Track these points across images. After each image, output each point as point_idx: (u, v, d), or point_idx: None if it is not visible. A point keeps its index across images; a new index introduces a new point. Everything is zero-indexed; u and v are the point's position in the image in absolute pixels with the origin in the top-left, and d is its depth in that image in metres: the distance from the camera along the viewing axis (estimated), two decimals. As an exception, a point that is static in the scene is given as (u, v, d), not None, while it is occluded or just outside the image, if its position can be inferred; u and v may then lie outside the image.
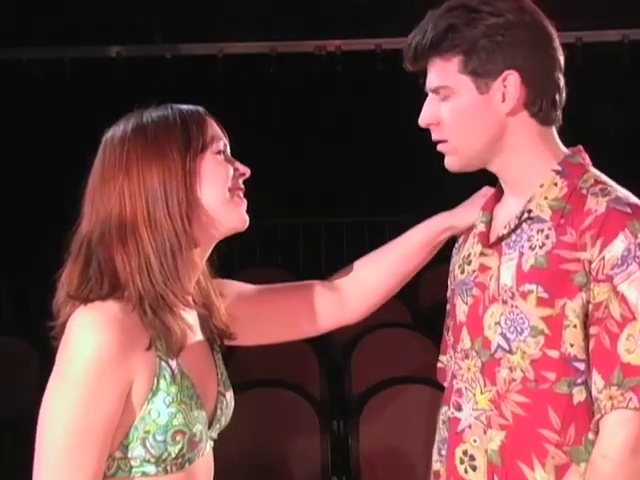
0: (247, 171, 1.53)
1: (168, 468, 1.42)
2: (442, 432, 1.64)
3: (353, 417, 3.48)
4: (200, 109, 1.51)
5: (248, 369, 4.16)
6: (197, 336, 1.52)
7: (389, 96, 6.49)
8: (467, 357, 1.60)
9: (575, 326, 1.51)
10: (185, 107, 1.50)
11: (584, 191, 1.55)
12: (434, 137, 1.62)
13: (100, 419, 1.36)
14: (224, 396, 1.56)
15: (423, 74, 1.61)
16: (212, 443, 1.55)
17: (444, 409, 1.64)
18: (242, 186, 1.52)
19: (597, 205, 1.52)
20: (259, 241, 7.01)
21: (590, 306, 1.51)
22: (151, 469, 1.41)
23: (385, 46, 6.39)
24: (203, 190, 1.45)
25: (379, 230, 7.06)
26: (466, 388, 1.60)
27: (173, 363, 1.43)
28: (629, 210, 1.51)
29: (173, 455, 1.41)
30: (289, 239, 7.03)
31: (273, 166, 6.89)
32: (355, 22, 6.33)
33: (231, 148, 1.55)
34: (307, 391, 3.62)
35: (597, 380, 1.49)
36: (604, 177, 1.60)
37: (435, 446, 1.68)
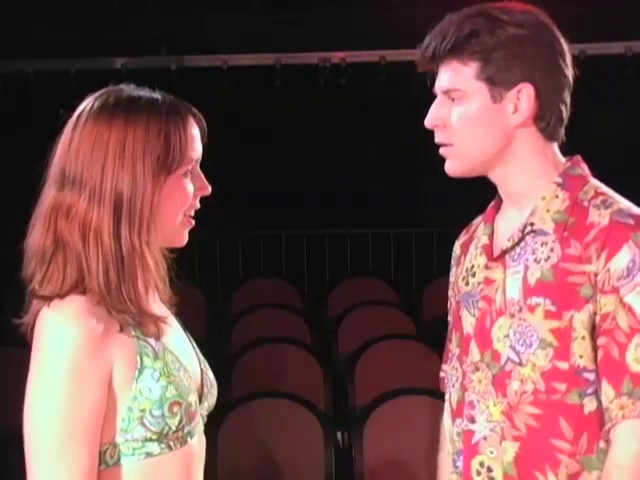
0: (207, 191, 1.52)
1: (171, 444, 1.42)
2: (457, 444, 1.64)
3: (357, 428, 3.48)
4: (190, 114, 1.48)
5: (253, 381, 4.16)
6: (170, 317, 1.53)
7: (392, 107, 6.51)
8: (477, 369, 1.61)
9: (583, 338, 1.52)
10: (175, 113, 1.45)
11: (585, 203, 1.57)
12: (438, 139, 1.61)
13: (87, 410, 1.36)
14: (206, 374, 1.56)
15: (431, 75, 1.62)
16: (203, 425, 1.55)
17: (458, 421, 1.64)
18: (197, 205, 1.51)
19: (600, 218, 1.53)
20: (263, 252, 7.02)
21: (597, 317, 1.52)
22: (154, 448, 1.41)
23: (389, 58, 6.40)
24: (162, 211, 1.44)
25: (383, 241, 7.08)
26: (478, 400, 1.60)
27: (152, 341, 1.43)
28: (632, 222, 1.52)
29: (174, 428, 1.41)
30: (293, 250, 7.04)
31: (276, 177, 6.90)
32: (359, 34, 6.34)
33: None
34: (311, 403, 3.62)
35: (607, 390, 1.50)
36: (604, 187, 1.61)
37: (449, 458, 1.68)
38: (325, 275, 6.84)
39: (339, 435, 3.98)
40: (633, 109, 6.41)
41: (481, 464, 1.59)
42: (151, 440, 1.40)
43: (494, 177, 1.64)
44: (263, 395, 3.63)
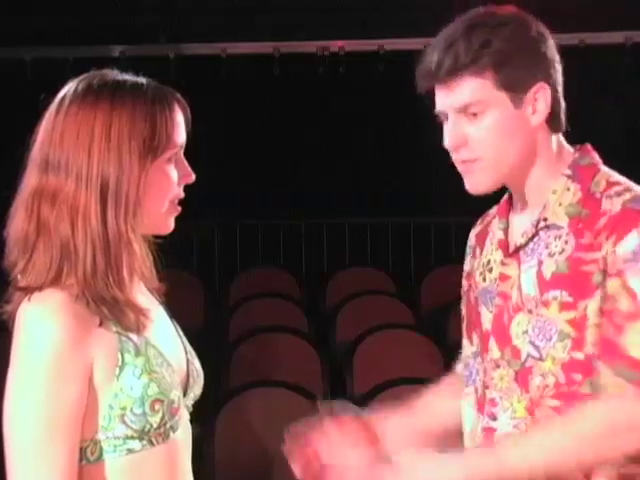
0: (191, 178, 1.50)
1: (153, 440, 1.41)
2: (477, 440, 1.63)
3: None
4: (175, 100, 1.47)
5: (251, 370, 4.17)
6: (154, 307, 1.51)
7: (391, 96, 6.50)
8: (498, 366, 1.60)
9: (596, 325, 1.51)
10: (160, 98, 1.44)
11: (597, 195, 1.56)
12: (463, 157, 1.57)
13: (66, 406, 1.35)
14: (193, 364, 1.55)
15: (431, 96, 1.59)
16: (188, 415, 1.53)
17: (479, 417, 1.63)
18: (182, 194, 1.49)
19: (612, 206, 1.53)
20: (262, 241, 7.02)
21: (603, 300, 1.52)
22: (136, 445, 1.40)
23: (388, 47, 6.39)
24: (148, 197, 1.43)
25: (381, 230, 7.08)
26: (501, 397, 1.59)
27: (134, 336, 1.41)
28: None
29: (155, 425, 1.40)
30: (292, 239, 7.04)
31: (275, 166, 6.90)
32: (358, 23, 6.33)
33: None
34: (309, 392, 3.62)
35: (601, 369, 1.50)
36: (616, 175, 1.60)
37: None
38: (323, 264, 6.84)
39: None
40: (632, 98, 6.40)
41: None
42: (132, 438, 1.39)
43: (513, 182, 1.62)
44: (261, 384, 3.63)
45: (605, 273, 1.50)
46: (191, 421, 1.54)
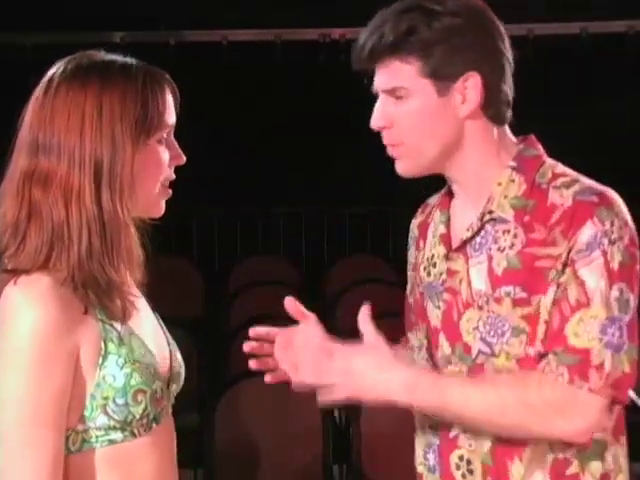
0: (182, 160, 1.49)
1: (135, 431, 1.40)
2: (429, 439, 1.63)
3: (355, 405, 3.48)
4: (165, 81, 1.46)
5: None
6: (138, 298, 1.50)
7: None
8: (450, 363, 1.58)
9: (545, 321, 1.49)
10: (151, 78, 1.43)
11: (544, 186, 1.53)
12: (387, 141, 1.57)
13: (51, 394, 1.33)
14: (175, 356, 1.54)
15: (369, 75, 1.57)
16: (170, 408, 1.52)
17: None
18: (173, 176, 1.49)
19: (562, 199, 1.50)
20: (262, 229, 7.02)
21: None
22: (117, 436, 1.38)
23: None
24: (140, 178, 1.42)
25: (381, 219, 7.07)
26: None
27: (118, 326, 1.40)
28: (595, 199, 1.49)
29: (137, 416, 1.38)
30: (291, 228, 7.04)
31: (275, 154, 6.89)
32: (359, 10, 6.31)
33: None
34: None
35: (547, 358, 1.48)
36: (561, 166, 1.57)
37: (419, 450, 1.67)
38: (323, 253, 6.83)
39: (336, 411, 3.98)
40: (634, 87, 6.39)
41: (460, 458, 1.57)
42: (114, 428, 1.38)
43: (447, 172, 1.60)
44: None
45: (564, 268, 1.48)
46: (173, 413, 1.52)
